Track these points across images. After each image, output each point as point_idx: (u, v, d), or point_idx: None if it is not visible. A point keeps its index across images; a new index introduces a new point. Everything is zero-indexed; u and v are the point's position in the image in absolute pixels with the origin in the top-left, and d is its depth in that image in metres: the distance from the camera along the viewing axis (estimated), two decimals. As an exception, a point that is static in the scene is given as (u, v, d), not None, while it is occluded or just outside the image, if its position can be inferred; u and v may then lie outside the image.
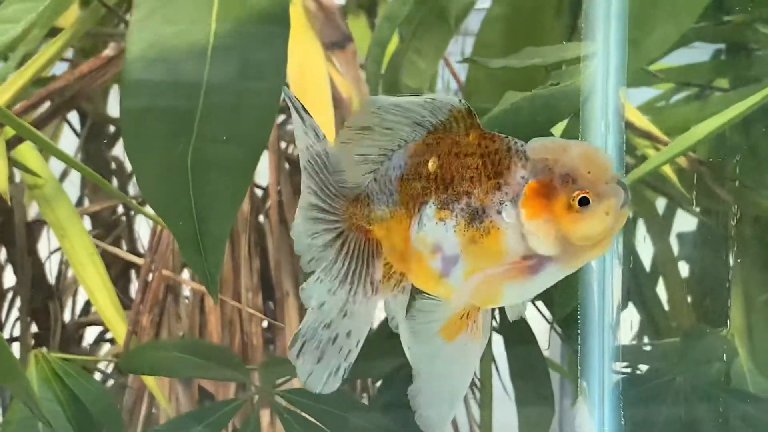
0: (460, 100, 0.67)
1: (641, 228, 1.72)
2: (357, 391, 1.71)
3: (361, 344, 0.71)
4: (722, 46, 1.76)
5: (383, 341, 1.22)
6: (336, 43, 1.52)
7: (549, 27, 1.29)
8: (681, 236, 1.78)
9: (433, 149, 0.68)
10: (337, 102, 1.51)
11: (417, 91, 1.51)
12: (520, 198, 0.65)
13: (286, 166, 1.78)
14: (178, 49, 0.96)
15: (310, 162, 0.72)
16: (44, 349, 1.16)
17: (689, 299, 1.64)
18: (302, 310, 1.69)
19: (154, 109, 0.97)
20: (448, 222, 0.67)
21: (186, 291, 1.68)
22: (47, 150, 1.43)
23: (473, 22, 1.53)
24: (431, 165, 0.68)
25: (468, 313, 0.71)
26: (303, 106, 0.72)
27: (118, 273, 1.85)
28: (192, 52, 0.95)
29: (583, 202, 0.63)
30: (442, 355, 0.71)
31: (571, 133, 0.99)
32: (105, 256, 1.74)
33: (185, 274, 1.69)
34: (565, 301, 1.13)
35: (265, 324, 1.67)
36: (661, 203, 1.79)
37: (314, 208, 0.73)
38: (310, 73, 1.45)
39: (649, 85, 1.69)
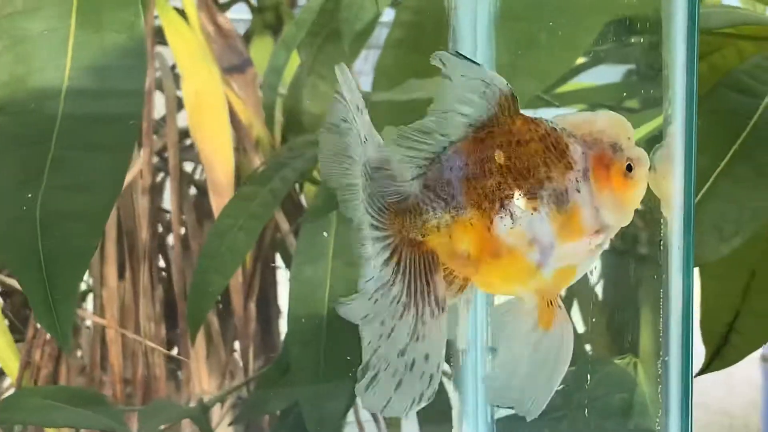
0: (506, 84, 0.65)
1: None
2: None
3: (442, 366, 0.66)
4: (633, 66, 1.76)
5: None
6: (235, 67, 1.49)
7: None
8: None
9: (489, 143, 0.66)
10: (236, 127, 1.48)
11: (319, 117, 1.48)
12: (589, 172, 0.67)
13: (192, 190, 1.75)
14: (31, 90, 0.92)
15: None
16: None
17: (604, 322, 1.63)
18: (209, 340, 1.66)
19: (2, 155, 0.93)
20: (542, 210, 0.66)
21: (88, 321, 1.63)
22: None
23: (384, 35, 1.50)
24: (499, 158, 0.66)
25: (551, 300, 0.70)
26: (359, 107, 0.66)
27: (21, 303, 1.79)
28: (45, 92, 0.91)
29: (629, 168, 0.67)
30: (543, 346, 0.70)
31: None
32: (4, 284, 1.69)
33: (89, 303, 1.65)
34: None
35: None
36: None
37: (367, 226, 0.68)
38: (208, 98, 1.42)
39: (557, 107, 1.68)
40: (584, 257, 0.68)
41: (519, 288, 0.69)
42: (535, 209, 0.66)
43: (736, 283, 1.18)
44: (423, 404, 0.66)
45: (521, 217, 0.66)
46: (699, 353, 1.18)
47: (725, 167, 1.03)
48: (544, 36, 1.06)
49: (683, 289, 0.91)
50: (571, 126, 0.68)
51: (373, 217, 0.66)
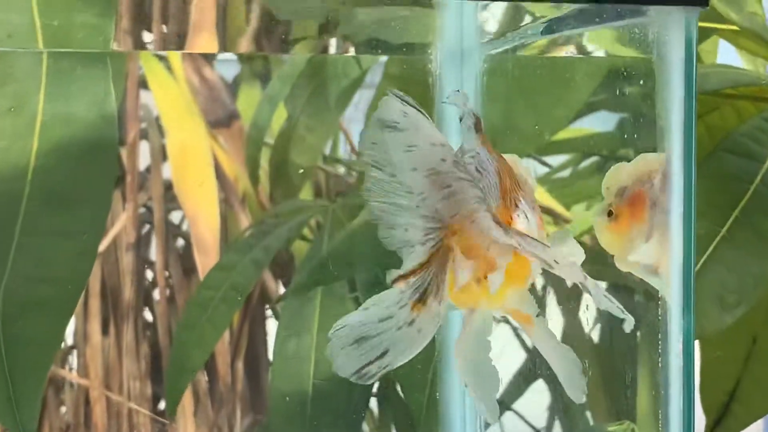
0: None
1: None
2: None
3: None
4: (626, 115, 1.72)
5: None
6: (221, 120, 1.45)
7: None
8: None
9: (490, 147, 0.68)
10: (222, 182, 1.44)
11: (307, 170, 1.44)
12: None
13: (179, 242, 1.71)
14: (-5, 172, 0.88)
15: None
16: None
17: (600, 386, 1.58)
18: (196, 394, 1.61)
19: None
20: (534, 214, 0.69)
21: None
22: None
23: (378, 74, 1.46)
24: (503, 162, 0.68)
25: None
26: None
27: None
28: (10, 174, 0.87)
29: None
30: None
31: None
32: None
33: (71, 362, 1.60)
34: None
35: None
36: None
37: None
38: (192, 152, 1.38)
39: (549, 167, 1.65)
40: None
41: (513, 292, 0.68)
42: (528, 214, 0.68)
43: (736, 351, 1.13)
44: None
45: (530, 217, 0.67)
46: (699, 422, 1.14)
47: (726, 233, 0.99)
48: (536, 96, 1.03)
49: (683, 362, 0.87)
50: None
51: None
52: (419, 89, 0.94)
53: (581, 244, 1.54)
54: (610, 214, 0.80)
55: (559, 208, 1.46)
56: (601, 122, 1.62)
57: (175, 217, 1.70)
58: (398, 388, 1.21)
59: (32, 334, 0.88)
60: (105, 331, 1.53)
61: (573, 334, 1.64)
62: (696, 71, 0.80)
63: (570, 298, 1.70)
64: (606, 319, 1.65)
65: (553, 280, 1.72)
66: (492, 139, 0.67)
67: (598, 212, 0.80)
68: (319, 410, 1.07)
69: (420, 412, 0.96)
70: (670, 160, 0.86)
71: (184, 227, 1.75)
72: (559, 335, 1.67)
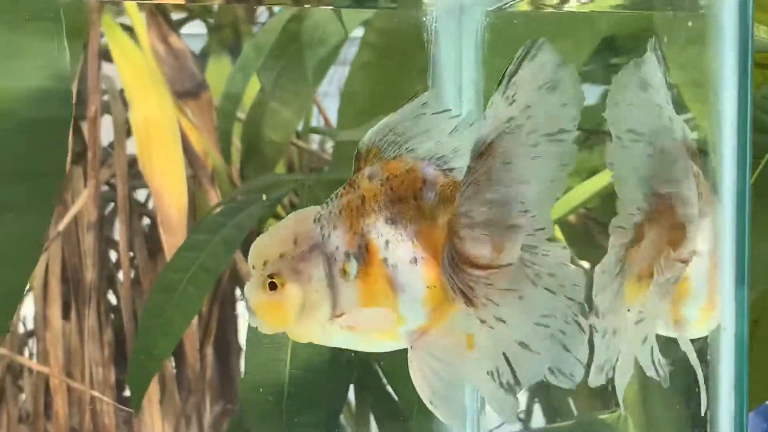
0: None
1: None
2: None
3: None
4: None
5: None
6: (189, 91, 1.37)
7: (416, 82, 1.16)
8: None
9: None
10: (190, 156, 1.36)
11: (281, 145, 1.37)
12: None
13: (144, 222, 1.63)
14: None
15: None
16: None
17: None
18: (163, 381, 1.53)
19: None
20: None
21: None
22: None
23: (352, 51, 1.39)
24: None
25: None
26: None
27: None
28: None
29: None
30: None
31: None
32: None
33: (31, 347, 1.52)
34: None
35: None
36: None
37: None
38: (158, 126, 1.30)
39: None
40: None
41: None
42: None
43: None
44: None
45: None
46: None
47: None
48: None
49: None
50: None
51: None
52: (413, 47, 0.87)
53: (567, 223, 1.48)
54: (273, 286, 0.67)
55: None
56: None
57: (140, 195, 1.62)
58: (381, 377, 1.14)
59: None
60: (66, 315, 1.46)
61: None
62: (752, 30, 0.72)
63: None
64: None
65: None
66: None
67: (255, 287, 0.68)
68: (296, 401, 1.00)
69: (412, 405, 0.89)
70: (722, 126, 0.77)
71: (150, 205, 1.67)
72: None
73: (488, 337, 0.67)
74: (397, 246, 0.68)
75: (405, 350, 0.69)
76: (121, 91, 1.44)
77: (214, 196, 1.37)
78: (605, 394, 1.38)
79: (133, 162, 1.51)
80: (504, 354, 0.68)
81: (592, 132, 1.63)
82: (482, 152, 0.63)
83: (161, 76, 1.36)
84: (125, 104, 1.38)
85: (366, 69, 1.28)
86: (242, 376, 1.10)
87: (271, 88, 1.32)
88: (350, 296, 0.68)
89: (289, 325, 0.69)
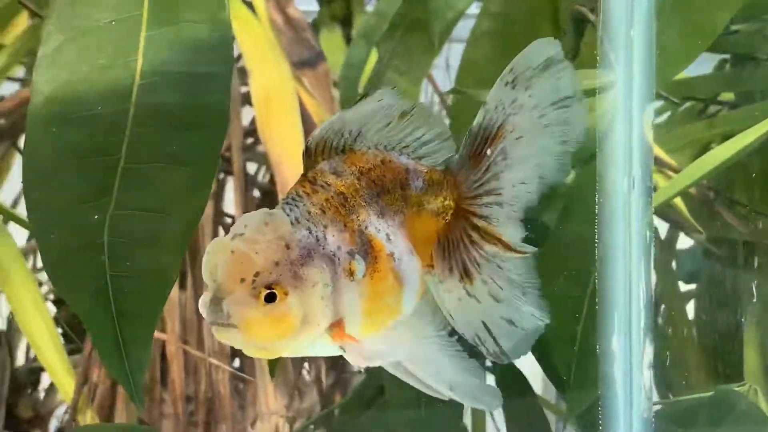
0: None
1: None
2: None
3: None
4: (726, 56, 1.63)
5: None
6: (306, 61, 1.37)
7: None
8: (684, 266, 1.64)
9: None
10: (308, 127, 1.36)
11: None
12: None
13: (256, 193, 1.64)
14: (96, 91, 0.79)
15: None
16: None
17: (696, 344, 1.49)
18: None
19: (63, 169, 0.80)
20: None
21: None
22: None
23: (459, 27, 1.38)
24: None
25: None
26: None
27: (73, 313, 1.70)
28: (112, 94, 0.79)
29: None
30: None
31: (581, 187, 0.84)
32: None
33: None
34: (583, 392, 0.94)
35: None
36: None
37: None
38: (277, 95, 1.30)
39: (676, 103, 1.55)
40: None
41: None
42: None
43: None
44: None
45: None
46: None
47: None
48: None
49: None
50: None
51: None
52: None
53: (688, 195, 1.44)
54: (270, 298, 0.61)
55: (661, 153, 1.37)
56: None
57: (250, 167, 1.63)
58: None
59: (141, 272, 0.80)
60: (182, 284, 1.47)
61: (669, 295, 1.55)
62: None
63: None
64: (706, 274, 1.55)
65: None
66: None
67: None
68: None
69: (568, 369, 0.88)
70: None
71: (260, 178, 1.69)
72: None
73: (470, 311, 0.70)
74: (396, 238, 0.67)
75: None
76: (237, 60, 1.45)
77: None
78: (728, 368, 1.35)
79: (246, 133, 1.52)
80: (484, 323, 0.71)
81: (711, 101, 1.59)
82: (494, 136, 0.69)
83: (279, 47, 1.36)
84: (242, 75, 1.39)
85: (486, 38, 1.27)
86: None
87: (389, 58, 1.31)
88: (352, 298, 0.65)
89: (286, 340, 0.63)
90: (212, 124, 0.81)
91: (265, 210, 0.64)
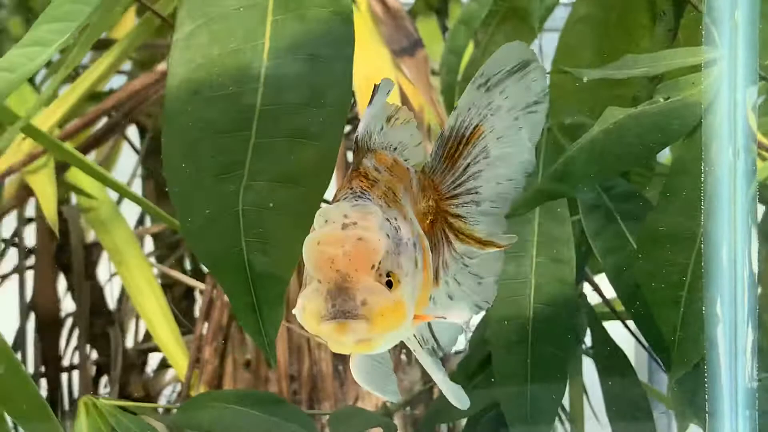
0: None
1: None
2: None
3: None
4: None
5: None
6: (405, 49, 1.41)
7: (644, 30, 1.15)
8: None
9: None
10: (408, 113, 1.40)
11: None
12: None
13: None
14: (227, 73, 0.85)
15: None
16: (96, 397, 1.07)
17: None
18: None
19: (200, 144, 0.86)
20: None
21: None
22: (92, 175, 1.34)
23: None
24: None
25: None
26: None
27: (182, 294, 1.77)
28: (242, 75, 0.84)
29: None
30: None
31: (686, 158, 0.86)
32: (166, 276, 1.67)
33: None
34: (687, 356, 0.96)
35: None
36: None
37: None
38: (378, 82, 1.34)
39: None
40: None
41: None
42: None
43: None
44: None
45: None
46: None
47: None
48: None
49: None
50: None
51: None
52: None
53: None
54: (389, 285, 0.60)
55: (758, 135, 1.37)
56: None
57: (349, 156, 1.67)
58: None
59: (273, 238, 0.85)
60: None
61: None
62: None
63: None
64: None
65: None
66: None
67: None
68: (539, 335, 1.03)
69: (674, 332, 0.90)
70: None
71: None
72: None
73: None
74: (422, 233, 0.67)
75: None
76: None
77: (429, 151, 1.41)
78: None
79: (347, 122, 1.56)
80: (429, 324, 0.71)
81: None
82: (469, 136, 0.70)
83: (379, 36, 1.40)
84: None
85: (583, 23, 1.28)
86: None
87: (487, 45, 1.34)
88: (414, 289, 0.62)
89: (399, 330, 0.60)
90: (335, 101, 0.87)
91: (353, 202, 0.62)
